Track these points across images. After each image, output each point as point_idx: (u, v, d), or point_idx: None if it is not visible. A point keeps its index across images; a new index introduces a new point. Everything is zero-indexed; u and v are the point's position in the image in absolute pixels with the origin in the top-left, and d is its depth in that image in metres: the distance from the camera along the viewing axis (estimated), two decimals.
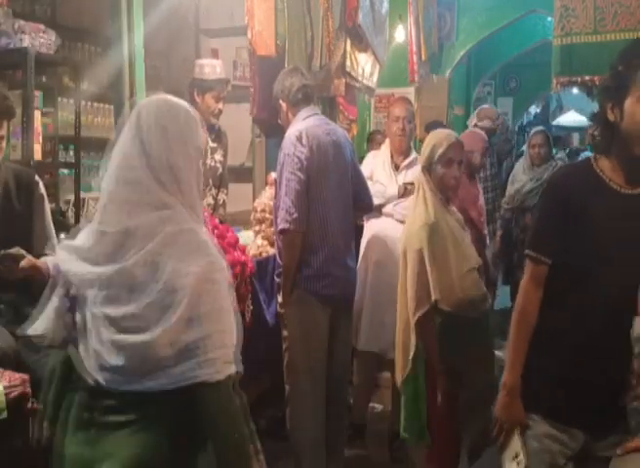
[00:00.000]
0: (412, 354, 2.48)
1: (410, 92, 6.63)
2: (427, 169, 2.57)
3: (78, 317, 1.44)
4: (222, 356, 1.38)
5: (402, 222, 3.36)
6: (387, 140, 3.63)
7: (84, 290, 1.42)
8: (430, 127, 5.36)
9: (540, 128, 5.05)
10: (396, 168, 3.53)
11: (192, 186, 1.46)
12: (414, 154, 3.58)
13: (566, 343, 1.76)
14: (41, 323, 1.49)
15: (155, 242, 1.37)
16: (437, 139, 2.59)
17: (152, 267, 1.36)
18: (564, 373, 1.77)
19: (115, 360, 1.37)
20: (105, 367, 1.38)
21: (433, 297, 2.43)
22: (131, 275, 1.37)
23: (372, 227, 3.49)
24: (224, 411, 1.38)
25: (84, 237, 1.45)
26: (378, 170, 3.52)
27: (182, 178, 1.43)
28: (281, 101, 2.97)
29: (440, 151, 2.54)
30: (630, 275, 1.67)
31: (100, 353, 1.39)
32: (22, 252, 2.28)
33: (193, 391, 1.35)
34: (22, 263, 2.25)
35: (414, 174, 3.48)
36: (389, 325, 3.29)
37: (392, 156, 3.55)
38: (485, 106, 5.72)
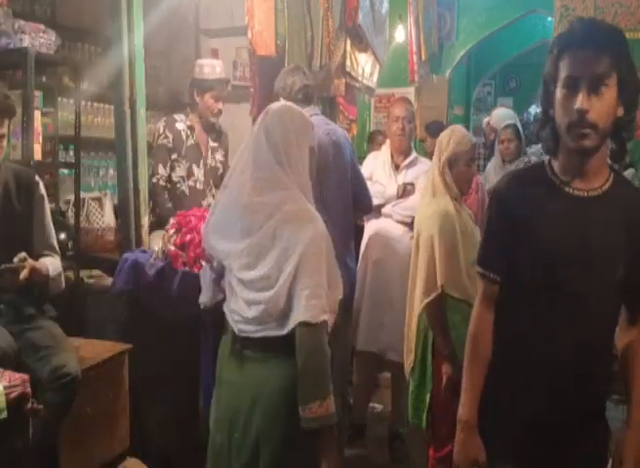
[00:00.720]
0: (416, 341, 2.58)
1: (410, 92, 6.64)
2: (450, 163, 2.62)
3: (225, 283, 1.87)
4: (319, 305, 1.72)
5: (401, 223, 3.36)
6: (388, 141, 3.64)
7: (225, 261, 1.82)
8: (430, 127, 5.35)
9: (510, 121, 4.56)
10: (396, 168, 3.53)
11: (305, 173, 1.85)
12: (414, 154, 3.58)
13: (519, 369, 1.58)
14: (204, 293, 1.99)
15: (275, 218, 1.74)
16: (460, 138, 2.67)
17: (273, 238, 1.73)
18: (517, 405, 1.59)
19: (248, 313, 1.77)
20: (242, 319, 1.80)
21: (439, 282, 2.48)
22: (258, 246, 1.75)
23: (371, 227, 3.49)
24: (317, 348, 1.72)
25: (221, 215, 1.84)
26: (377, 170, 3.53)
27: (297, 166, 1.81)
28: (281, 99, 2.98)
29: (464, 149, 2.63)
30: (585, 284, 1.51)
31: (237, 309, 1.80)
32: (22, 260, 2.28)
33: (297, 330, 1.70)
34: (22, 275, 2.26)
35: (414, 174, 3.49)
36: (388, 325, 3.30)
37: (392, 156, 3.55)
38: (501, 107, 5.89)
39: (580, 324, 1.52)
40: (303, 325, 1.70)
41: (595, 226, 1.51)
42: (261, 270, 1.75)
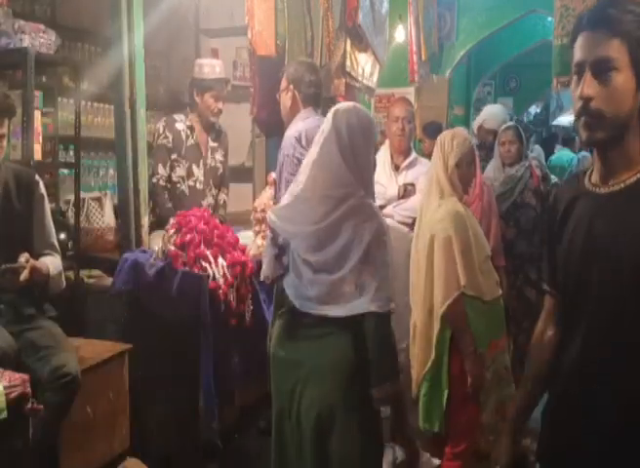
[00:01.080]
0: (435, 342, 2.56)
1: (410, 92, 6.63)
2: (458, 164, 2.66)
3: (286, 260, 2.00)
4: (386, 296, 1.85)
5: (402, 223, 3.36)
6: (387, 141, 3.64)
7: (290, 240, 1.97)
8: (428, 128, 5.37)
9: (511, 123, 4.32)
10: (396, 168, 3.53)
11: (369, 170, 1.99)
12: (413, 154, 3.58)
13: (561, 379, 1.46)
14: (266, 267, 2.08)
15: (341, 210, 1.88)
16: (463, 139, 2.72)
17: (338, 228, 1.87)
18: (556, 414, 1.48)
19: (309, 291, 1.90)
20: (303, 296, 1.92)
21: (462, 282, 2.51)
22: (324, 233, 1.89)
23: None
24: (385, 335, 1.88)
25: (289, 202, 1.98)
26: (377, 171, 3.52)
27: (362, 164, 1.95)
28: (291, 87, 2.97)
29: (466, 151, 2.69)
30: (614, 287, 1.32)
31: (299, 286, 1.93)
32: (23, 262, 2.28)
33: (365, 317, 1.85)
34: (23, 276, 2.26)
35: (414, 174, 3.49)
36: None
37: (392, 156, 3.55)
38: (492, 106, 5.27)
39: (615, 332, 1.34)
40: (374, 315, 1.84)
41: (613, 224, 1.34)
42: (326, 255, 1.89)
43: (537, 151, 5.39)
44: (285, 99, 3.00)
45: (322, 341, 1.93)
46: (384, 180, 3.44)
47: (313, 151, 1.99)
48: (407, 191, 3.44)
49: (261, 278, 2.19)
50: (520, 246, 3.77)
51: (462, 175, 2.69)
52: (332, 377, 1.91)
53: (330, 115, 1.99)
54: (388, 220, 3.39)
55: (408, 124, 3.48)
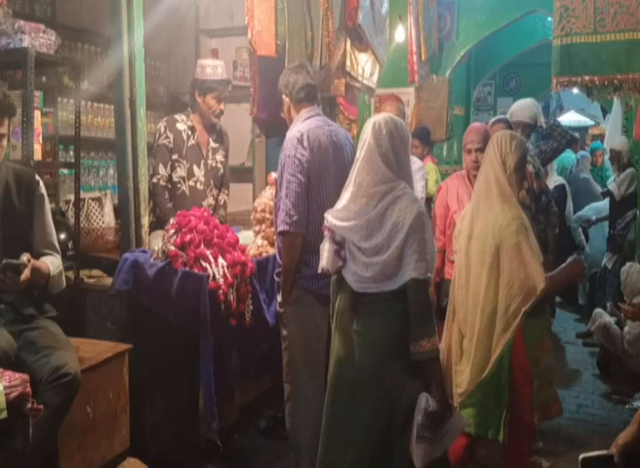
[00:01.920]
0: (500, 350, 2.55)
1: (410, 92, 6.64)
2: (517, 166, 2.68)
3: (343, 253, 2.32)
4: (425, 266, 2.18)
5: None
6: None
7: (346, 235, 2.29)
8: (419, 133, 5.40)
9: (501, 116, 4.11)
10: None
11: (407, 166, 2.35)
12: None
13: None
14: (326, 261, 2.34)
15: (386, 200, 2.24)
16: (521, 141, 2.75)
17: (384, 216, 2.23)
18: None
19: (366, 273, 2.23)
20: (360, 279, 2.25)
21: (541, 286, 2.50)
22: (373, 222, 2.23)
23: None
24: (426, 298, 2.21)
25: (343, 205, 2.32)
26: None
27: (401, 162, 2.31)
28: (284, 96, 2.98)
29: (525, 153, 2.75)
30: None
31: (356, 271, 2.26)
32: (25, 261, 2.28)
33: (407, 284, 2.17)
34: (24, 275, 2.26)
35: None
36: None
37: None
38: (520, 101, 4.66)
39: None
40: (414, 281, 2.17)
41: None
42: (377, 240, 2.22)
43: (535, 150, 5.06)
44: (284, 105, 3.03)
45: (377, 314, 2.26)
46: None
47: (358, 158, 2.33)
48: None
49: (319, 271, 2.42)
50: None
51: (518, 177, 2.71)
52: (381, 345, 2.25)
53: (369, 127, 2.33)
54: None
55: None
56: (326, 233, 2.38)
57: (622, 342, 4.60)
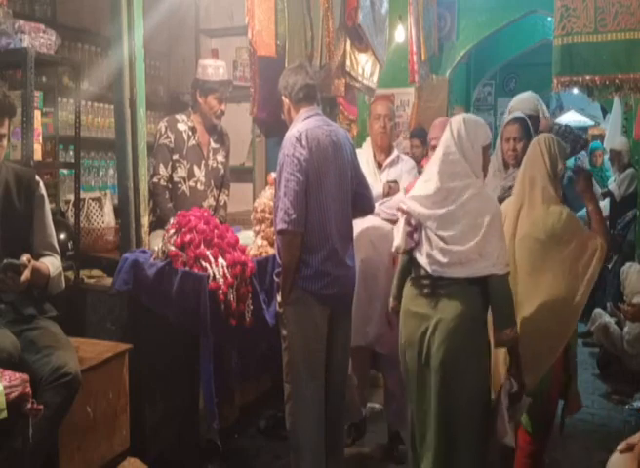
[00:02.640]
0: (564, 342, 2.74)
1: (410, 92, 6.64)
2: (561, 169, 2.81)
3: (417, 236, 2.51)
4: (505, 261, 2.41)
5: (388, 221, 3.36)
6: (368, 139, 3.66)
7: (423, 221, 2.48)
8: (417, 133, 5.41)
9: (517, 114, 3.64)
10: (379, 166, 3.55)
11: (480, 164, 2.53)
12: (395, 152, 3.62)
13: None
14: (400, 240, 2.54)
15: (464, 197, 2.43)
16: (564, 147, 2.86)
17: (464, 210, 2.42)
18: None
19: (442, 258, 2.42)
20: (436, 263, 2.43)
21: (601, 240, 2.74)
22: (453, 214, 2.43)
23: (357, 226, 3.47)
24: (508, 291, 2.43)
25: (423, 190, 2.51)
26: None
27: (477, 160, 2.50)
28: (283, 97, 2.98)
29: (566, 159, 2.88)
30: None
31: (432, 254, 2.44)
32: (25, 261, 2.28)
33: (489, 278, 2.40)
34: (24, 277, 2.26)
35: (396, 172, 3.53)
36: (377, 320, 3.35)
37: (374, 155, 3.57)
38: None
39: None
40: (496, 276, 2.39)
41: None
42: (456, 230, 2.42)
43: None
44: (284, 106, 3.03)
45: (450, 297, 2.44)
46: (369, 178, 3.41)
47: (439, 154, 2.52)
48: (391, 189, 3.46)
49: (393, 249, 2.62)
50: None
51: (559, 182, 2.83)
52: (455, 327, 2.41)
53: (448, 126, 2.55)
54: (375, 218, 3.40)
55: (389, 121, 3.51)
56: (399, 214, 2.59)
57: (622, 343, 4.60)
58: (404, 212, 2.55)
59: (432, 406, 2.46)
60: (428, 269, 2.45)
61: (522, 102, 3.96)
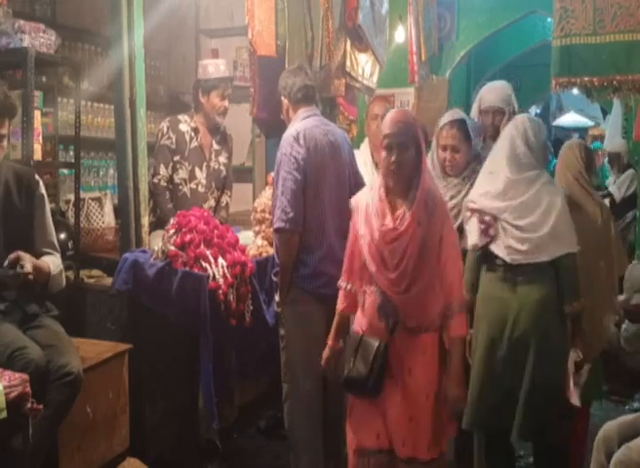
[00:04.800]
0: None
1: (410, 92, 6.63)
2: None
3: (493, 230, 2.64)
4: (575, 240, 2.63)
5: None
6: (366, 139, 3.66)
7: (499, 214, 2.64)
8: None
9: (456, 115, 3.02)
10: (377, 166, 3.55)
11: (547, 158, 2.80)
12: None
13: None
14: (476, 237, 2.66)
15: (535, 188, 2.63)
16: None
17: (537, 200, 2.61)
18: None
19: (520, 247, 2.59)
20: (513, 252, 2.60)
21: None
22: (526, 205, 2.61)
23: None
24: (575, 268, 2.64)
25: (491, 185, 2.68)
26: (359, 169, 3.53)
27: (542, 154, 2.72)
28: (283, 98, 2.99)
29: None
30: None
31: (510, 245, 2.61)
32: (29, 269, 2.30)
33: (562, 257, 2.59)
34: (26, 268, 2.28)
35: None
36: None
37: (372, 155, 3.57)
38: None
39: None
40: (569, 254, 2.60)
41: None
42: (531, 219, 2.59)
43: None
44: (283, 107, 3.04)
45: (530, 282, 2.62)
46: (367, 179, 3.44)
47: (505, 150, 2.69)
48: None
49: (468, 247, 2.69)
50: None
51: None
52: (536, 310, 2.60)
53: (512, 124, 2.74)
54: None
55: None
56: (468, 214, 2.71)
57: (619, 340, 4.59)
58: (475, 210, 2.68)
59: (527, 375, 2.60)
60: (507, 259, 2.61)
61: (492, 92, 3.46)
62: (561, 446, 2.74)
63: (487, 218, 2.66)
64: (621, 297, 4.16)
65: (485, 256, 2.70)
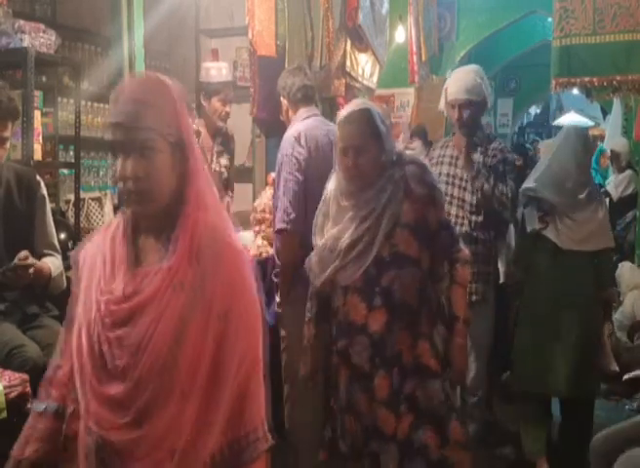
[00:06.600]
0: None
1: (410, 92, 6.64)
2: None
3: (548, 218, 3.06)
4: (612, 237, 3.17)
5: None
6: None
7: (559, 206, 3.03)
8: (420, 132, 5.40)
9: (357, 106, 2.19)
10: None
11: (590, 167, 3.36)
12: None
13: None
14: (533, 223, 3.09)
15: (587, 190, 3.06)
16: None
17: (588, 199, 3.05)
18: None
19: (575, 236, 3.01)
20: (567, 239, 3.02)
21: None
22: (581, 202, 3.04)
23: None
24: (611, 259, 3.27)
25: (554, 178, 3.07)
26: None
27: (587, 164, 3.22)
28: (282, 99, 2.99)
29: None
30: None
31: (564, 232, 3.02)
32: (31, 260, 2.30)
33: (601, 251, 3.07)
34: (31, 270, 2.27)
35: None
36: None
37: None
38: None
39: None
40: (606, 248, 3.08)
41: None
42: (584, 215, 3.03)
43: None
44: (282, 107, 3.05)
45: (580, 266, 3.04)
46: None
47: (556, 154, 3.10)
48: None
49: (527, 231, 3.13)
50: None
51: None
52: (580, 288, 3.03)
53: (564, 131, 3.17)
54: None
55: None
56: (520, 204, 3.13)
57: (616, 335, 4.59)
58: (534, 199, 3.08)
59: (572, 338, 3.03)
60: (560, 244, 3.03)
61: (459, 82, 3.08)
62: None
63: (546, 207, 3.07)
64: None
65: (538, 241, 3.10)
